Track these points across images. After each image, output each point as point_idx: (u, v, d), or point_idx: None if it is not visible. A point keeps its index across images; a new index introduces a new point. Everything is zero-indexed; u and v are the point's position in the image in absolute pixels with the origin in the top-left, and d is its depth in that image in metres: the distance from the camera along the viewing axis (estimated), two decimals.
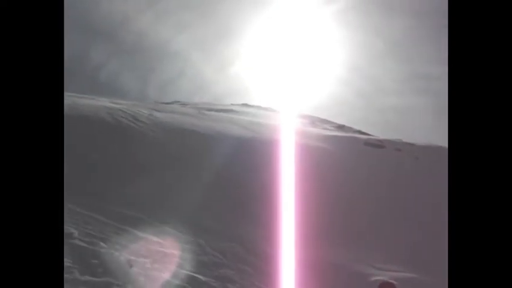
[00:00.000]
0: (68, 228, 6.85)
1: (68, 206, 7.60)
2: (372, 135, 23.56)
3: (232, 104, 29.05)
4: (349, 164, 13.31)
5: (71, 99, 15.91)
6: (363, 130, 27.96)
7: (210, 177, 10.34)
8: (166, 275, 6.19)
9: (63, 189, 3.36)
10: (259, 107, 30.51)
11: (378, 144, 16.51)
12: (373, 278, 7.60)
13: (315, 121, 28.66)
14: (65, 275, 5.52)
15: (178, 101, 30.03)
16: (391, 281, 7.40)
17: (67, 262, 5.86)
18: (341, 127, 28.13)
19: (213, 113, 19.69)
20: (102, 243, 6.59)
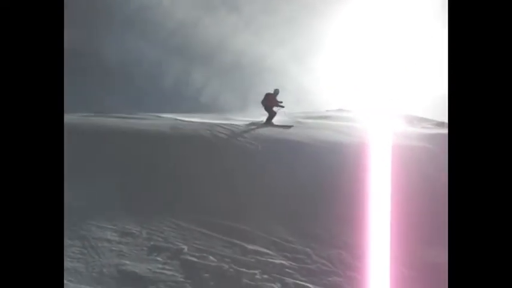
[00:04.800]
0: (178, 244, 7.10)
1: (178, 223, 7.89)
2: None
3: (327, 111, 28.62)
4: None
5: (173, 119, 16.58)
6: None
7: (309, 184, 10.30)
8: (276, 286, 6.23)
9: (63, 192, 3.40)
10: (355, 111, 29.97)
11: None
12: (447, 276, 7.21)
13: (413, 120, 27.70)
14: None
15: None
16: None
17: (180, 277, 6.08)
18: (441, 124, 27.00)
19: (309, 120, 19.60)
20: (211, 257, 6.76)
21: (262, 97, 17.38)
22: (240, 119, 19.14)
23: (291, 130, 15.95)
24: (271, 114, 17.75)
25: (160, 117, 17.91)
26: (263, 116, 17.71)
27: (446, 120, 28.94)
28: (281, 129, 16.01)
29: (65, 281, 5.57)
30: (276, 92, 17.89)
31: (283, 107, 18.07)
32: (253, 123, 17.09)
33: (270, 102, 17.73)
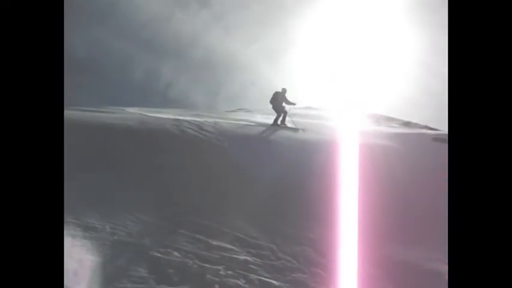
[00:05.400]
0: (142, 239, 7.04)
1: (141, 218, 7.82)
2: (440, 130, 22.76)
3: (295, 108, 28.82)
4: (417, 161, 12.96)
5: (141, 113, 16.42)
6: (432, 126, 27.04)
7: (275, 181, 10.34)
8: (240, 282, 6.23)
9: (63, 190, 3.35)
10: (322, 109, 30.21)
11: (447, 139, 15.82)
12: (447, 276, 7.33)
13: (380, 119, 28.11)
14: (141, 285, 5.68)
15: (243, 109, 30.22)
16: None
17: (143, 272, 6.03)
18: (407, 124, 27.48)
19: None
20: (176, 253, 6.72)
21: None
22: (210, 116, 19.09)
23: (259, 127, 15.98)
24: (280, 114, 17.41)
25: (128, 111, 17.75)
26: (231, 113, 17.67)
27: (412, 120, 29.44)
28: (249, 125, 16.03)
29: None
30: (284, 90, 17.46)
31: (294, 104, 17.65)
32: (260, 124, 17.05)
33: (278, 101, 17.28)
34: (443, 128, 25.33)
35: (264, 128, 15.73)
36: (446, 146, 15.20)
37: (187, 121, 14.55)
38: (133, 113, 17.15)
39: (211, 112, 22.54)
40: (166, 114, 17.33)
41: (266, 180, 10.37)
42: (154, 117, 15.57)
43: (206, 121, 15.38)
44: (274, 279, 6.45)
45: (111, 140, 11.57)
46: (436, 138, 16.02)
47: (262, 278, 6.44)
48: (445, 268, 7.58)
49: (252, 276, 6.44)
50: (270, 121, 17.95)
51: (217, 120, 16.52)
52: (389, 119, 28.88)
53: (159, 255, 6.60)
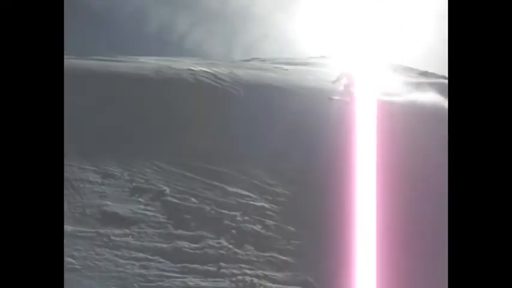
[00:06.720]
0: (160, 186, 7.13)
1: (160, 165, 7.89)
2: None
3: (310, 57, 28.43)
4: (434, 112, 12.78)
5: (156, 63, 16.31)
6: None
7: (292, 130, 10.30)
8: (256, 227, 6.33)
9: (62, 183, 3.27)
10: (338, 59, 29.82)
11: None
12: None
13: (398, 69, 27.70)
14: (160, 230, 5.79)
15: (257, 58, 29.88)
16: None
17: (161, 218, 6.14)
18: (424, 73, 27.03)
19: (291, 66, 19.47)
20: (193, 199, 6.81)
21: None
22: (225, 65, 18.97)
23: (273, 75, 15.84)
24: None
25: (142, 61, 17.64)
26: (245, 63, 17.45)
27: (429, 69, 29.01)
28: (263, 74, 15.88)
29: None
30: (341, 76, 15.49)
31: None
32: (235, 67, 16.83)
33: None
34: None
35: (279, 77, 15.60)
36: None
37: (203, 70, 14.45)
38: (148, 62, 17.04)
39: (226, 61, 22.33)
40: (181, 64, 17.22)
41: (282, 129, 10.35)
42: (169, 66, 15.47)
43: (222, 69, 15.27)
44: (291, 225, 6.53)
45: (127, 88, 11.56)
46: None
47: (278, 224, 6.53)
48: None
49: (269, 222, 6.53)
50: (284, 71, 17.75)
51: (232, 69, 16.39)
52: (407, 69, 28.47)
53: (177, 201, 6.71)
